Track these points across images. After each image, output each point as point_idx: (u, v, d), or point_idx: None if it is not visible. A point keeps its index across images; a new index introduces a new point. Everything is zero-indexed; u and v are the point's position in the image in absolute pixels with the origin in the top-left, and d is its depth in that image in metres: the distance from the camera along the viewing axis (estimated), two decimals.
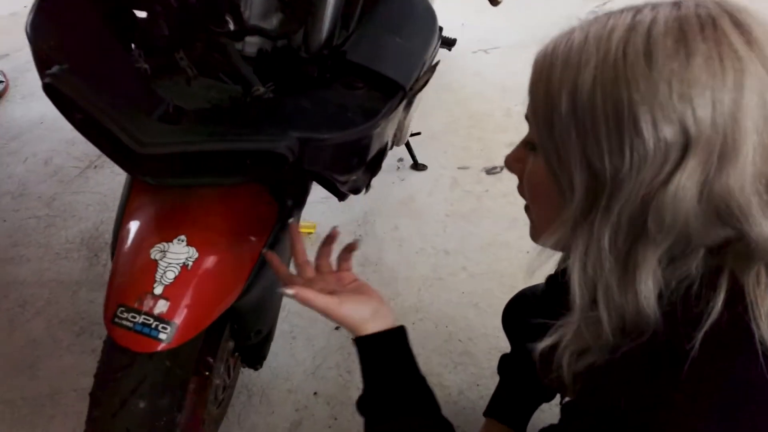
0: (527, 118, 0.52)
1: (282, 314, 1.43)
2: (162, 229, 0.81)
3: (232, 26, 0.73)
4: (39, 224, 1.71)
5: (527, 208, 0.59)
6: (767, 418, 0.40)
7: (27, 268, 1.58)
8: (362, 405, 0.69)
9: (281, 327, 1.41)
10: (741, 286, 0.43)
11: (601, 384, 0.49)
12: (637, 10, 0.44)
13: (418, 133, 1.84)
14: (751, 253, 0.43)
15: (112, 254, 0.84)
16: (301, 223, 1.66)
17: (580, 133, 0.44)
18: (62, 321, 1.45)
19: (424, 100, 2.11)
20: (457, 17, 2.41)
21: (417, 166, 1.86)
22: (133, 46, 0.80)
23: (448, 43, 1.77)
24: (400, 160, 1.89)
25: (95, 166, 1.91)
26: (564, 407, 0.60)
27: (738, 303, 0.42)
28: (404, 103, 0.89)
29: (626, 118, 0.41)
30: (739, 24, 0.41)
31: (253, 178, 0.73)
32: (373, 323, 0.70)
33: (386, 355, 0.70)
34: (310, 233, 1.66)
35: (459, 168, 1.85)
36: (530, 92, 0.50)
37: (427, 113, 2.07)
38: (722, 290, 0.43)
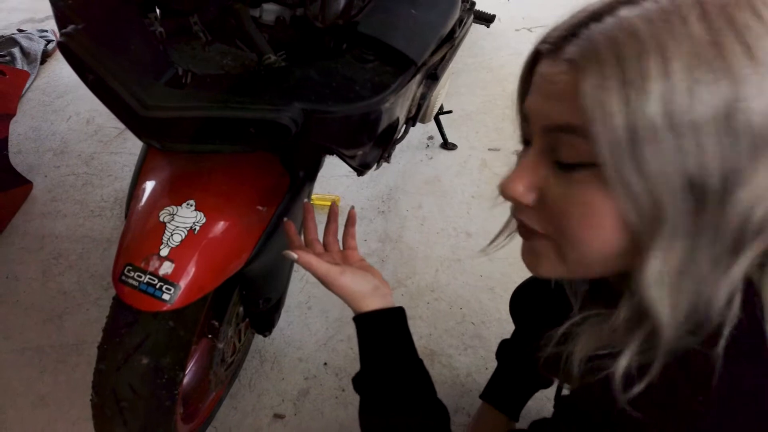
0: (552, 128, 0.43)
1: (299, 285, 1.45)
2: (172, 193, 0.82)
3: None
4: (77, 181, 1.78)
5: (542, 237, 0.47)
6: None
7: (63, 223, 1.65)
8: (358, 383, 0.69)
9: (297, 297, 1.43)
10: (757, 289, 0.39)
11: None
12: None
13: (450, 111, 1.81)
14: None
15: (126, 214, 0.87)
16: (323, 195, 1.67)
17: (679, 141, 0.36)
18: (92, 275, 1.51)
19: (459, 77, 2.07)
20: None
21: (447, 146, 1.83)
22: (156, 9, 0.80)
23: (486, 19, 1.72)
24: (430, 138, 1.87)
25: None
26: (560, 400, 0.57)
27: (754, 307, 0.39)
28: (418, 78, 0.87)
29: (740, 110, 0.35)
30: None
31: (260, 147, 0.73)
32: (372, 300, 0.70)
33: (385, 334, 0.69)
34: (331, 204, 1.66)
35: (489, 149, 1.81)
36: (584, 94, 0.38)
37: (462, 92, 2.02)
38: (738, 294, 0.39)
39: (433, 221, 1.61)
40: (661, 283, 0.39)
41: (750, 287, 0.39)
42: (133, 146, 1.91)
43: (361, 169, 0.92)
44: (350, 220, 0.83)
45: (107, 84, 0.65)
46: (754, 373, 0.38)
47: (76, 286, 1.48)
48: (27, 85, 2.14)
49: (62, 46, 0.67)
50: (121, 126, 1.96)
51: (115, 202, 1.72)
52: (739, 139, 0.35)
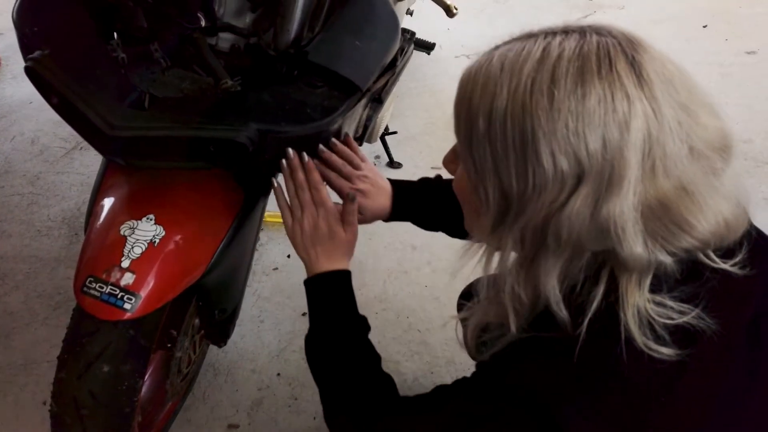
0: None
1: (252, 299, 1.50)
2: (132, 208, 0.87)
3: (203, 22, 0.79)
4: (22, 201, 1.76)
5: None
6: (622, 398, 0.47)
7: (8, 243, 1.63)
8: (308, 343, 0.79)
9: (250, 311, 1.48)
10: (617, 280, 0.49)
11: (509, 358, 0.56)
12: (550, 39, 0.49)
13: (395, 132, 1.91)
14: (624, 264, 0.49)
15: (85, 229, 0.90)
16: (275, 212, 1.73)
17: (494, 155, 0.49)
18: (40, 295, 1.50)
19: (404, 100, 2.18)
20: (443, 22, 2.47)
21: (392, 164, 1.93)
22: (116, 35, 0.86)
23: (427, 47, 1.84)
24: (377, 157, 1.96)
25: (81, 148, 1.96)
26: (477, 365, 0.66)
27: (612, 294, 0.49)
28: (364, 101, 0.96)
29: (530, 148, 0.46)
30: (633, 63, 0.46)
31: (218, 165, 0.80)
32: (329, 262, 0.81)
33: (331, 295, 0.81)
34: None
35: (432, 168, 1.93)
36: (455, 109, 0.54)
37: (407, 114, 2.14)
38: (603, 283, 0.50)
39: (380, 236, 1.69)
40: (507, 269, 0.53)
41: (613, 278, 0.50)
42: (80, 166, 1.91)
43: None
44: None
45: (74, 106, 0.70)
46: (607, 344, 0.48)
47: (23, 306, 1.47)
48: None
49: (29, 71, 0.72)
50: (68, 146, 1.97)
51: (63, 221, 1.71)
52: (527, 164, 0.47)
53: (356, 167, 0.90)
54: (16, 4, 0.79)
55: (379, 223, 1.72)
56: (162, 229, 0.85)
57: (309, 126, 0.78)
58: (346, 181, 0.88)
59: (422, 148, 2.02)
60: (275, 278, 1.58)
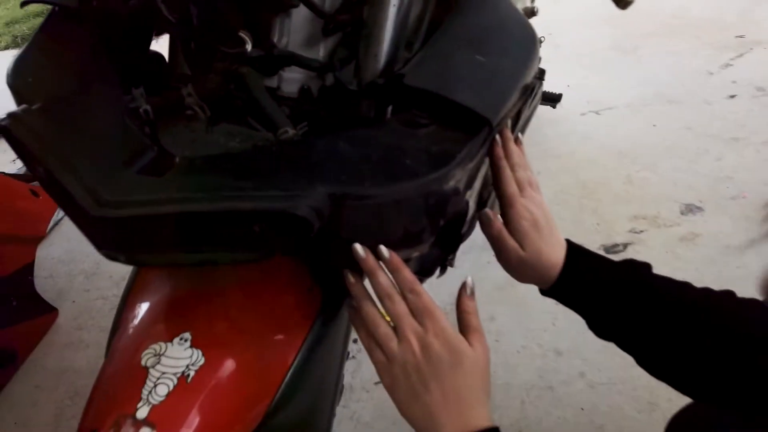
0: None
1: (349, 426, 1.17)
2: (162, 324, 0.60)
3: (249, 47, 0.54)
4: (105, 306, 1.61)
5: None
6: None
7: (84, 355, 1.46)
8: None
9: None
10: None
11: None
12: None
13: None
14: None
15: (106, 353, 0.65)
16: (379, 309, 1.42)
17: None
18: None
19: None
20: (561, 79, 2.17)
21: None
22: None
23: (552, 99, 1.53)
24: None
25: None
26: None
27: None
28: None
29: None
30: None
31: (274, 253, 0.51)
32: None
33: None
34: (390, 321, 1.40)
35: None
36: None
37: None
38: None
39: (510, 337, 1.31)
40: None
41: None
42: None
43: (418, 275, 0.68)
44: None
45: (53, 174, 0.46)
46: None
47: None
48: None
49: (3, 130, 0.49)
50: None
51: None
52: None
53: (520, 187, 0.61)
54: (18, 55, 0.59)
55: (509, 320, 1.35)
56: (200, 354, 0.57)
57: (410, 184, 0.48)
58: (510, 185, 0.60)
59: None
60: (378, 396, 1.23)
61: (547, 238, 0.59)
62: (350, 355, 1.35)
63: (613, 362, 1.18)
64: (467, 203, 0.59)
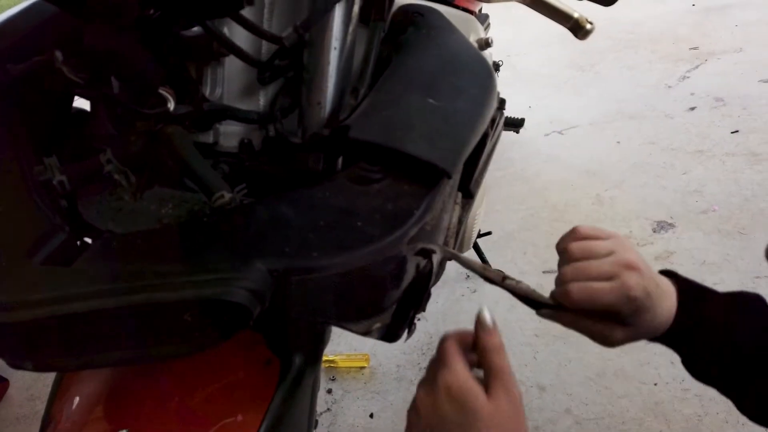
0: None
1: None
2: (94, 422, 0.52)
3: (172, 105, 0.48)
4: None
5: None
6: None
7: (38, 428, 1.34)
8: None
9: None
10: None
11: None
12: None
13: (489, 233, 1.53)
14: None
15: None
16: (348, 354, 1.35)
17: None
18: None
19: (492, 192, 1.81)
20: (522, 99, 2.16)
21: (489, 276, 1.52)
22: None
23: (515, 124, 1.50)
24: (467, 277, 1.56)
25: None
26: None
27: None
28: (453, 195, 0.60)
29: None
30: None
31: (206, 344, 0.44)
32: None
33: None
34: (362, 368, 1.33)
35: (544, 272, 1.49)
36: None
37: (498, 209, 1.76)
38: None
39: None
40: None
41: None
42: None
43: (384, 340, 0.62)
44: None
45: None
46: None
47: None
48: None
49: None
50: None
51: None
52: None
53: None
54: None
55: None
56: None
57: (361, 251, 0.42)
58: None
59: (525, 247, 1.61)
60: None
61: (659, 299, 0.53)
62: (326, 408, 1.27)
63: (599, 396, 1.12)
64: (432, 260, 0.53)
